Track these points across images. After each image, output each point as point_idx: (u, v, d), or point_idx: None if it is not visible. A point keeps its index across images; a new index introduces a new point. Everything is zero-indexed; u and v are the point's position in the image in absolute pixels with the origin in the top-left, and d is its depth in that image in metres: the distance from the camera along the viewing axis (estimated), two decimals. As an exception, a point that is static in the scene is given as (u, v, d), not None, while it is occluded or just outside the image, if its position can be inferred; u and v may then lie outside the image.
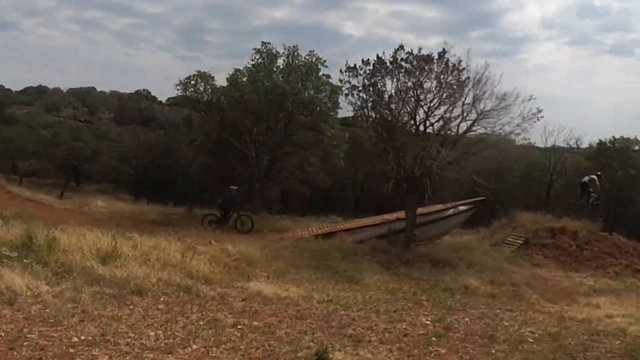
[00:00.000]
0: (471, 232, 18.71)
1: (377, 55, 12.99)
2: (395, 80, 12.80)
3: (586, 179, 16.52)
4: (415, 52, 12.70)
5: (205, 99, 22.60)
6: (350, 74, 13.26)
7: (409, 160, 12.36)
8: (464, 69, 12.41)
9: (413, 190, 12.84)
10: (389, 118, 13.03)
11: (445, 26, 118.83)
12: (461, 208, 16.16)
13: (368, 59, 13.16)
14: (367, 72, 13.08)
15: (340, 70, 13.48)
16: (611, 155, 31.47)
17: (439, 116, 12.79)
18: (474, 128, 12.42)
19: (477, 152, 12.13)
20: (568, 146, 34.81)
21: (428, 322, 6.80)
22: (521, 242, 14.74)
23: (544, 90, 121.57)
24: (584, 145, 33.37)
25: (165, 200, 23.98)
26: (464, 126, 12.69)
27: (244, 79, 21.92)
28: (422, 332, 6.32)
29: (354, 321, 6.51)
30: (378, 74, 12.98)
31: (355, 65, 13.20)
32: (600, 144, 32.70)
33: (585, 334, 6.74)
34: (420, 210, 13.88)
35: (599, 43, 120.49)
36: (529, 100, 11.94)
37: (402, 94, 12.70)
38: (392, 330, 6.26)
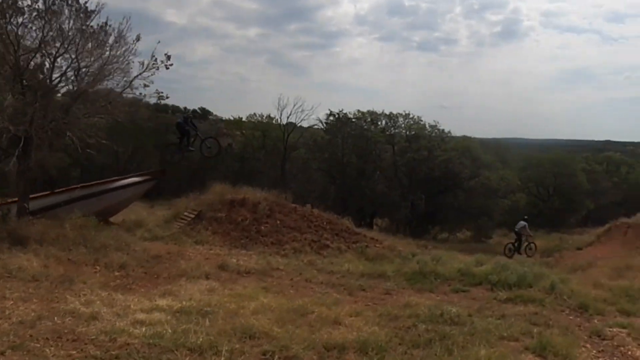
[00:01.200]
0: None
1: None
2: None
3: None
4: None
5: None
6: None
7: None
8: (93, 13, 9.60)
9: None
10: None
11: (265, 18, 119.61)
12: (132, 180, 13.39)
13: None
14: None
15: None
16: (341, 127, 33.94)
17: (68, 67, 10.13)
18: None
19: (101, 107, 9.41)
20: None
21: None
22: (193, 216, 12.77)
23: (356, 81, 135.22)
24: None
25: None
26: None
27: None
28: None
29: None
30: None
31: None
32: (331, 114, 34.68)
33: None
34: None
35: (407, 39, 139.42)
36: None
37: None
38: None
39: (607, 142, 60.68)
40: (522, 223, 18.75)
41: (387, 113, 35.63)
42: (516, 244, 18.54)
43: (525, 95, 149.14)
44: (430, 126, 35.06)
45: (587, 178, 38.30)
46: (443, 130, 35.27)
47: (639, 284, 9.43)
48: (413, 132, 34.84)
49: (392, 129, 35.53)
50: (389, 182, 33.22)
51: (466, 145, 35.52)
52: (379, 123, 35.44)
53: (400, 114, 35.61)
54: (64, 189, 13.07)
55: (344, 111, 34.27)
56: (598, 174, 39.93)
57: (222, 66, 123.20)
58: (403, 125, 35.64)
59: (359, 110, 35.20)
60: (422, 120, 35.38)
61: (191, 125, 14.22)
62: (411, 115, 35.50)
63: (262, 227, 13.03)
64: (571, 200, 37.25)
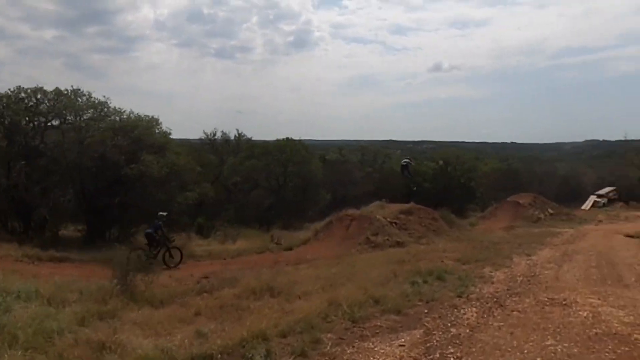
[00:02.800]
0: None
1: None
2: None
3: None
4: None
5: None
6: None
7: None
8: None
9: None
10: None
11: (63, 19, 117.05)
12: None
13: None
14: None
15: None
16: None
17: None
18: None
19: None
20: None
21: None
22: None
23: (155, 86, 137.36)
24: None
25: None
26: None
27: None
28: None
29: None
30: None
31: None
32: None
33: None
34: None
35: (205, 46, 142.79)
36: None
37: None
38: None
39: (390, 141, 65.86)
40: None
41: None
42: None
43: (317, 100, 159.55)
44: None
45: (340, 169, 37.38)
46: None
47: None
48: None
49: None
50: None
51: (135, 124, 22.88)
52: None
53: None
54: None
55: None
56: (351, 165, 39.64)
57: (15, 68, 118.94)
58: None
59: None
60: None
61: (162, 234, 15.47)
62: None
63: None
64: (304, 190, 34.98)
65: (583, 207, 40.20)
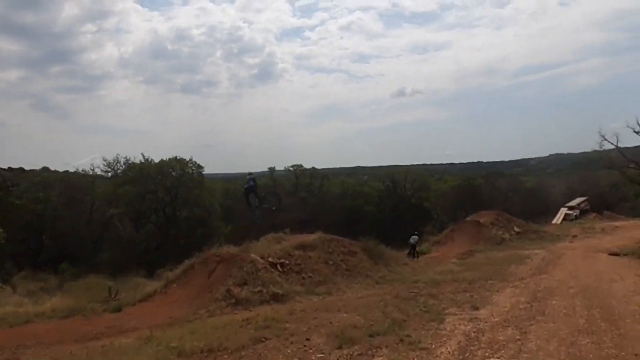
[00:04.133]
0: None
1: None
2: None
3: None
4: None
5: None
6: None
7: None
8: None
9: None
10: None
11: (27, 60, 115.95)
12: None
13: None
14: None
15: None
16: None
17: None
18: None
19: None
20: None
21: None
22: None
23: (122, 124, 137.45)
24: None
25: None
26: None
27: None
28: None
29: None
30: None
31: None
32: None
33: None
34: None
35: (170, 82, 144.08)
36: None
37: None
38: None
39: (357, 167, 65.46)
40: None
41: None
42: None
43: (284, 131, 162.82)
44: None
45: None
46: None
47: None
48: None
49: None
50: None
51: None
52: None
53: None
54: None
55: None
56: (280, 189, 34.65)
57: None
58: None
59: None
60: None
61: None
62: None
63: None
64: (199, 223, 28.68)
65: (554, 222, 35.64)
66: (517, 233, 24.35)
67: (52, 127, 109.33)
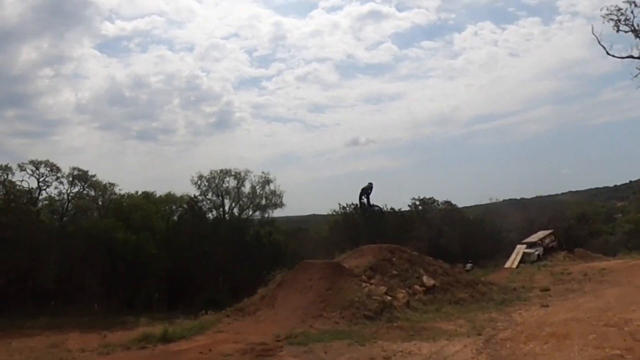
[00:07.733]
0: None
1: None
2: None
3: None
4: None
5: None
6: None
7: None
8: None
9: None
10: None
11: None
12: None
13: None
14: None
15: None
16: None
17: None
18: None
19: None
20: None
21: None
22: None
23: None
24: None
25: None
26: None
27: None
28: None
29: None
30: None
31: None
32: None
33: None
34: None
35: (127, 129, 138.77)
36: None
37: None
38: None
39: (312, 215, 58.92)
40: None
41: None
42: None
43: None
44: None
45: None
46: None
47: None
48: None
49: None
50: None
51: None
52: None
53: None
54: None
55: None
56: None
57: None
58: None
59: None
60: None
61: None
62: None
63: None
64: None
65: (507, 265, 23.47)
66: (427, 289, 11.54)
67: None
